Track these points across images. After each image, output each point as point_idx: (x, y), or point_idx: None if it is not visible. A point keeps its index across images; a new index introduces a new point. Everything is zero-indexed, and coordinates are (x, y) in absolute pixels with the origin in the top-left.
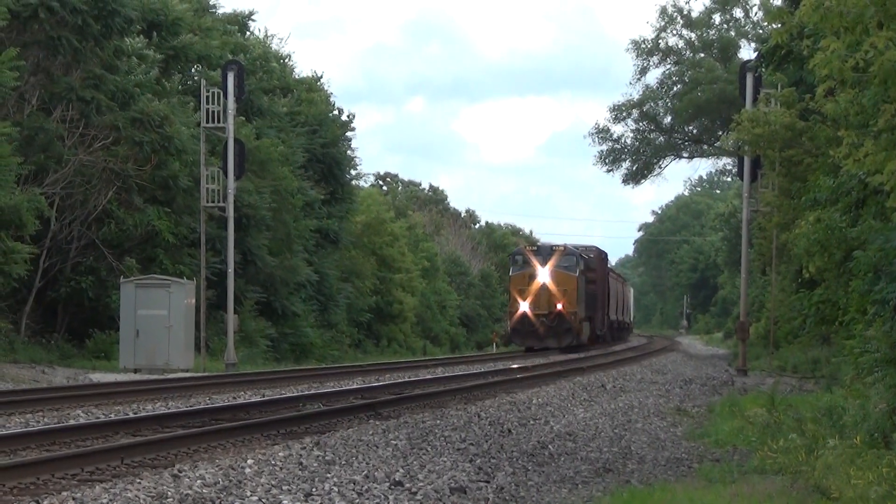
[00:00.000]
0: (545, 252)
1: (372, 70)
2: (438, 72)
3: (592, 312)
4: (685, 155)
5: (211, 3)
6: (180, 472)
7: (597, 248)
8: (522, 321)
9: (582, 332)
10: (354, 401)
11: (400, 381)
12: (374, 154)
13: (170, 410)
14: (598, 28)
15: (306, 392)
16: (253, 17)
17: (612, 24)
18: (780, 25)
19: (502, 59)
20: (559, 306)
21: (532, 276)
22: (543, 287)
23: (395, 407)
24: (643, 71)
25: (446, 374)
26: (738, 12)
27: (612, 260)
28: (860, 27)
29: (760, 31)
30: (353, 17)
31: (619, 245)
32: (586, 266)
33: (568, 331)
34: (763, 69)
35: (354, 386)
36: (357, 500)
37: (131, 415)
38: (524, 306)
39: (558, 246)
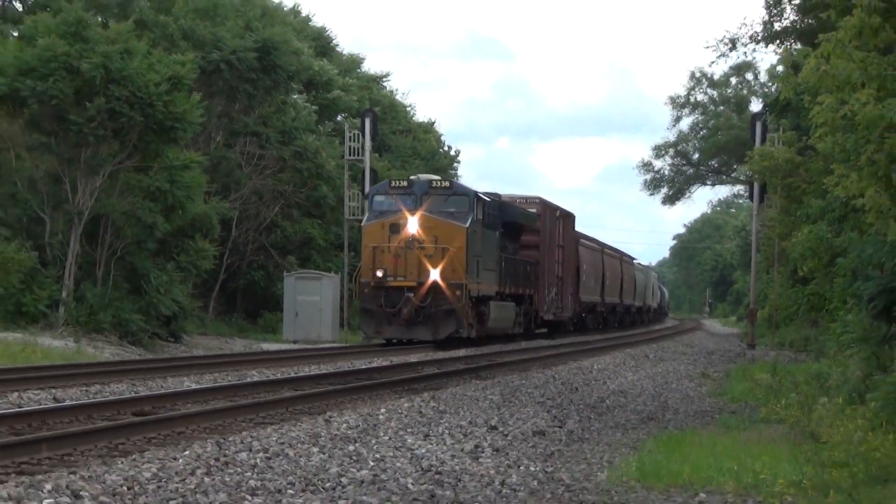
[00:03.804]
0: (420, 190)
1: (469, 117)
2: (518, 118)
3: (523, 289)
4: (709, 182)
5: (356, 60)
6: (330, 417)
7: (542, 201)
8: (375, 298)
9: (472, 317)
10: (460, 366)
11: (494, 352)
12: (471, 181)
13: (322, 371)
14: (640, 85)
15: (423, 359)
16: (386, 77)
17: (650, 83)
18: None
19: (566, 109)
20: (433, 274)
21: (396, 227)
22: (410, 242)
23: (491, 371)
24: (677, 119)
25: (530, 346)
26: (749, 76)
27: (650, 262)
28: (848, 87)
29: (766, 90)
30: (455, 78)
31: (657, 251)
32: (492, 216)
33: (449, 315)
34: (768, 117)
35: (461, 354)
36: (462, 440)
37: (293, 374)
38: (380, 274)
39: (440, 181)
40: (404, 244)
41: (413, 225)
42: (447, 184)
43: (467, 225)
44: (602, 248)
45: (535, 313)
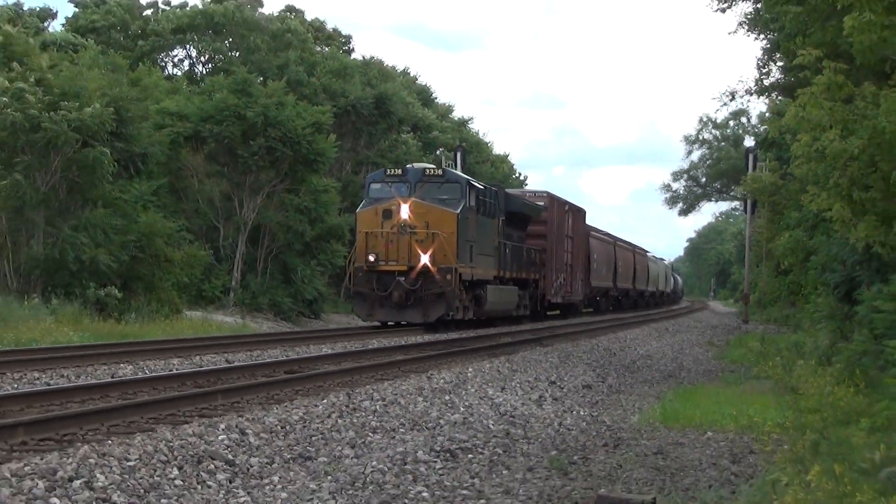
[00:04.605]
0: (414, 178)
1: (534, 151)
2: (570, 152)
3: (528, 274)
4: (713, 199)
5: (449, 108)
6: (431, 375)
7: (549, 195)
8: (367, 281)
9: (467, 300)
10: (528, 336)
11: (553, 326)
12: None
13: (425, 340)
14: (661, 127)
15: (500, 331)
16: (471, 121)
17: (669, 125)
18: (774, 126)
19: (606, 145)
20: (424, 259)
21: (388, 213)
22: (402, 228)
23: (550, 339)
24: (689, 152)
25: (580, 321)
26: (744, 119)
27: (666, 257)
28: (819, 128)
29: (756, 131)
30: (523, 122)
31: (674, 251)
32: (490, 205)
33: (439, 298)
34: (758, 151)
35: (526, 328)
36: (530, 391)
37: (403, 343)
38: (372, 258)
39: (434, 169)
40: (396, 229)
41: (405, 211)
42: (440, 172)
43: (458, 211)
44: (615, 241)
45: (543, 296)
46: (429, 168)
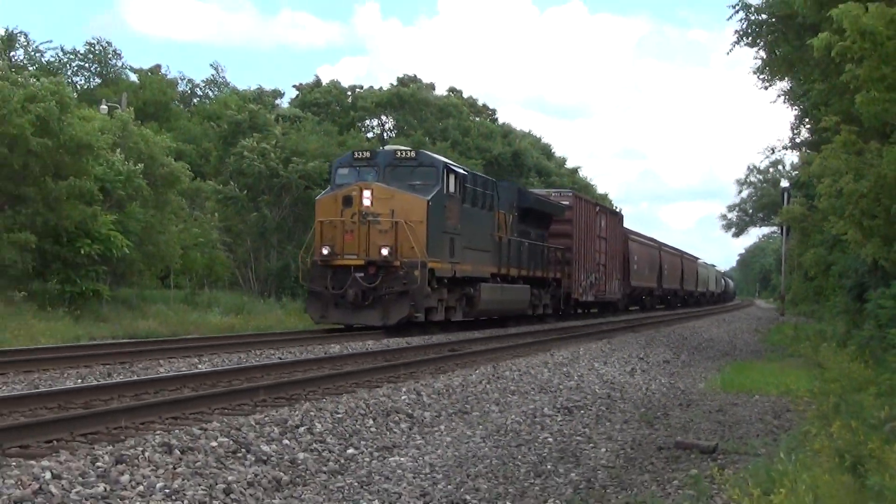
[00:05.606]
0: (384, 161)
1: (626, 190)
2: (652, 191)
3: (547, 273)
4: (758, 225)
5: (563, 160)
6: (553, 353)
7: (574, 194)
8: (321, 277)
9: (452, 300)
10: (623, 325)
11: (640, 317)
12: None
13: (546, 327)
14: (718, 172)
15: (600, 321)
16: (580, 168)
17: (726, 170)
18: (803, 172)
19: (678, 185)
20: (384, 251)
21: (349, 200)
22: (363, 216)
23: (639, 327)
24: (740, 191)
25: (663, 313)
26: (780, 167)
27: (725, 267)
28: (838, 173)
29: (790, 175)
30: (617, 170)
31: (729, 263)
32: (485, 195)
33: (402, 297)
34: (791, 190)
35: (622, 318)
36: (625, 365)
37: (532, 329)
38: (326, 251)
39: (407, 151)
40: (358, 219)
41: (367, 197)
42: (413, 154)
43: (429, 197)
44: (660, 246)
45: (568, 295)
46: (401, 150)
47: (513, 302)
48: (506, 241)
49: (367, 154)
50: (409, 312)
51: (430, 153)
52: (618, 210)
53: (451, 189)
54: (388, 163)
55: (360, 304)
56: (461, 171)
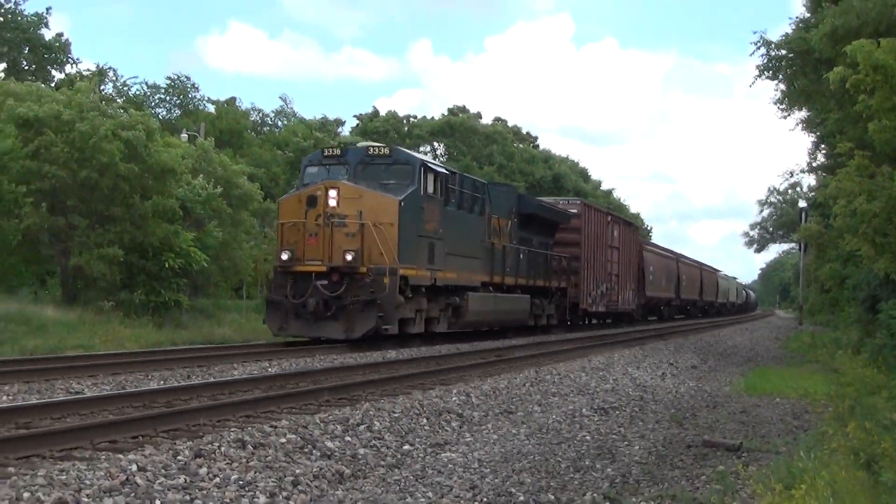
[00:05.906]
0: (354, 159)
1: (655, 210)
2: (680, 210)
3: (550, 282)
4: (778, 242)
5: (598, 182)
6: (590, 358)
7: (583, 203)
8: (281, 285)
9: (438, 311)
10: (652, 333)
11: (667, 326)
12: (656, 238)
13: (585, 335)
14: (741, 195)
15: (633, 329)
16: (614, 190)
17: (748, 192)
18: (821, 193)
19: (704, 205)
20: (349, 256)
21: (313, 200)
22: (327, 218)
23: (669, 335)
24: (761, 210)
25: (686, 323)
26: (798, 188)
27: (747, 280)
28: (852, 195)
29: (808, 196)
30: (647, 193)
31: (751, 276)
32: (473, 198)
33: (368, 308)
34: (809, 210)
35: (652, 328)
36: (656, 369)
37: (570, 337)
38: (285, 256)
39: (380, 147)
40: (322, 220)
41: (332, 196)
42: (387, 151)
43: (401, 197)
44: (678, 258)
45: (575, 305)
46: (373, 146)
47: (509, 312)
48: (501, 248)
49: (338, 151)
50: (377, 324)
51: (406, 150)
52: (630, 222)
53: (431, 189)
54: (360, 160)
55: (321, 315)
56: (442, 170)
